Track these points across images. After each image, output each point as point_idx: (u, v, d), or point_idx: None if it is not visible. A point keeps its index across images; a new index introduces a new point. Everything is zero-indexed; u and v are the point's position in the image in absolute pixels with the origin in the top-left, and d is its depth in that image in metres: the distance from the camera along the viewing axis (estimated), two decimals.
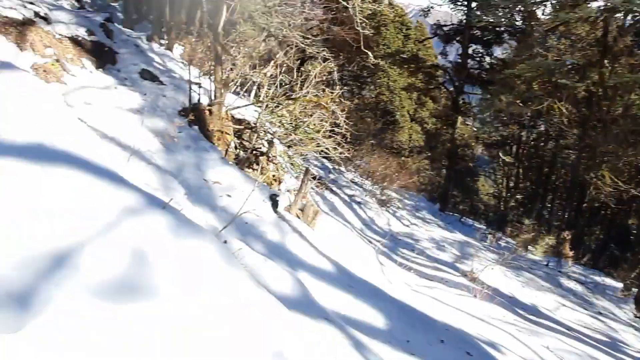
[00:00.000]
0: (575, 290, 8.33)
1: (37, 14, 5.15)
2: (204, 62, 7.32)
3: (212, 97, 5.37)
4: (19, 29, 4.57)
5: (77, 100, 4.41)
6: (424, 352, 3.21)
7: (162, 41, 7.00)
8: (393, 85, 21.69)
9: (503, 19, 14.31)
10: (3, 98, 2.28)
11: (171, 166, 4.03)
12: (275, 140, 6.56)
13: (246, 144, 5.97)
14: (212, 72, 5.63)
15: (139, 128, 4.40)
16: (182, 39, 7.40)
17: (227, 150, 5.53)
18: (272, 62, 6.88)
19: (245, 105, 5.74)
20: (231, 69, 5.60)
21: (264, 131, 5.96)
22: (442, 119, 22.06)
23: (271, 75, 7.11)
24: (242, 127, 5.80)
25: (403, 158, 19.38)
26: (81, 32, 5.60)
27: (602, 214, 17.66)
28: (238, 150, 5.78)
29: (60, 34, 5.26)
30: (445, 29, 19.54)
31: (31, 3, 5.23)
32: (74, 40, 5.36)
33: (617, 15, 11.74)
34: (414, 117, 24.04)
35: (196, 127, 4.96)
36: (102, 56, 5.61)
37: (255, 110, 6.06)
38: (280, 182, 6.61)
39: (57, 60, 4.76)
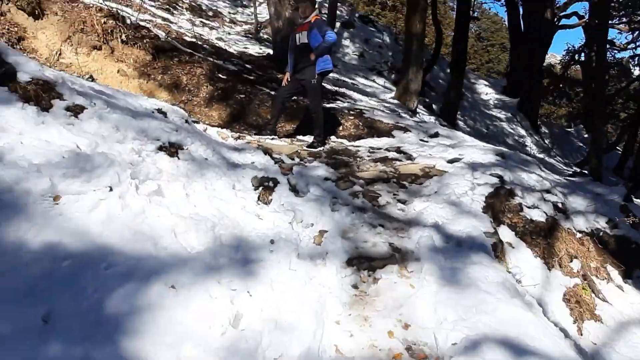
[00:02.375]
0: None
1: (555, 206, 4.43)
2: None
3: None
4: (546, 239, 3.87)
5: None
6: None
7: None
8: None
9: None
10: None
11: None
12: None
13: None
14: None
15: None
16: None
17: None
18: None
19: None
20: None
21: None
22: None
23: None
24: None
25: None
26: (601, 224, 4.46)
27: None
28: None
29: (579, 231, 4.30)
30: None
31: (547, 191, 4.59)
32: (595, 238, 4.27)
33: None
34: None
35: None
36: (629, 258, 4.22)
37: None
38: None
39: (585, 280, 3.73)
